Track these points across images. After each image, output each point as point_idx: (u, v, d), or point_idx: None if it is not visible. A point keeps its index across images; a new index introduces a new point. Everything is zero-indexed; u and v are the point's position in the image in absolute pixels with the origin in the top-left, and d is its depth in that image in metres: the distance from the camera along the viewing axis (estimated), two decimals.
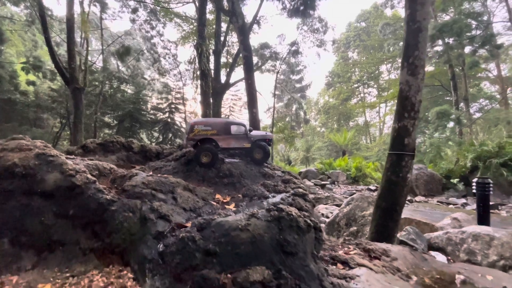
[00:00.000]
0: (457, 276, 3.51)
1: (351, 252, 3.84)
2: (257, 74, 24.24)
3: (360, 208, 7.70)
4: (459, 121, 18.15)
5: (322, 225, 7.61)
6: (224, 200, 3.09)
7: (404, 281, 3.31)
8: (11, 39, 27.40)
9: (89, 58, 18.97)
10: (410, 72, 5.56)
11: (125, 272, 2.12)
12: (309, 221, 2.29)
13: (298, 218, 2.21)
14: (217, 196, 3.21)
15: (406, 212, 9.04)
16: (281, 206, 2.30)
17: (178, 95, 27.85)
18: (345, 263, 3.29)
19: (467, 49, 19.58)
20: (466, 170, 13.79)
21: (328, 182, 18.73)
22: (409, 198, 13.23)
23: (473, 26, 18.14)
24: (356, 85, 33.00)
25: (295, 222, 2.18)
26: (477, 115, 25.94)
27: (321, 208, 10.15)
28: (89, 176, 2.50)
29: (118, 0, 21.28)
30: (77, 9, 17.07)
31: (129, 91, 27.32)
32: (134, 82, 26.64)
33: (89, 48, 19.69)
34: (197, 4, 15.85)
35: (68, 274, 2.07)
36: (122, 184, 2.66)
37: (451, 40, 18.43)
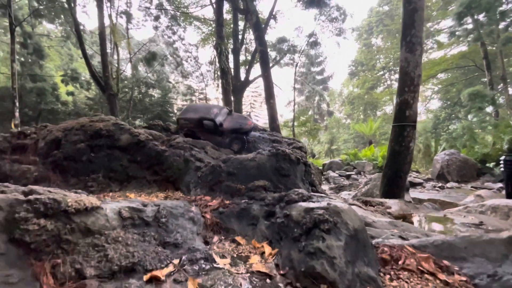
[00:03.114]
0: (440, 216, 4.30)
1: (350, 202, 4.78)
2: (276, 69, 25.21)
3: (377, 187, 8.41)
4: (493, 102, 17.55)
5: None
6: None
7: (391, 218, 4.18)
8: (49, 55, 31.10)
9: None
10: (408, 49, 6.29)
11: (176, 192, 3.35)
12: (299, 157, 3.35)
13: (290, 155, 3.29)
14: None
15: (432, 197, 9.50)
16: (278, 147, 3.40)
17: (201, 96, 29.81)
18: None
19: (502, 25, 18.74)
20: (503, 153, 13.40)
21: (353, 173, 19.08)
22: (439, 184, 13.36)
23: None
24: (381, 73, 32.49)
25: (288, 156, 3.26)
26: None
27: (343, 194, 10.87)
28: (148, 136, 3.81)
29: (142, 10, 23.52)
30: (106, 22, 19.34)
31: (156, 95, 29.91)
32: (160, 86, 29.15)
33: (118, 57, 22.13)
34: (214, 6, 17.29)
35: (141, 193, 3.35)
36: (169, 143, 3.94)
37: (480, 17, 17.89)
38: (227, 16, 20.96)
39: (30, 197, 1.76)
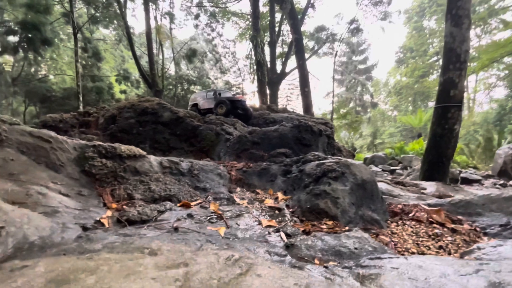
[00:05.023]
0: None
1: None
2: (314, 59, 24.81)
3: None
4: None
5: None
6: None
7: (422, 195, 4.10)
8: (105, 57, 34.80)
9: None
10: (453, 23, 5.91)
11: (208, 158, 3.82)
12: (321, 129, 3.55)
13: (312, 126, 3.51)
14: None
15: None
16: (301, 120, 3.64)
17: (238, 90, 30.72)
18: None
19: None
20: None
21: (398, 167, 18.00)
22: (501, 181, 12.02)
23: None
24: (434, 58, 29.51)
25: (310, 128, 3.49)
26: None
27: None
28: (186, 113, 4.35)
29: (183, 10, 25.11)
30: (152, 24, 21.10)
31: (197, 91, 31.77)
32: (200, 82, 30.84)
33: (163, 56, 24.03)
34: None
35: None
36: (203, 119, 4.44)
37: None
38: (264, 9, 21.25)
39: (95, 143, 2.33)
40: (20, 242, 1.09)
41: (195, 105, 7.11)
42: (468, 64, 6.87)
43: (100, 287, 0.64)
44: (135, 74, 30.84)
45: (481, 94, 27.69)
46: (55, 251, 1.04)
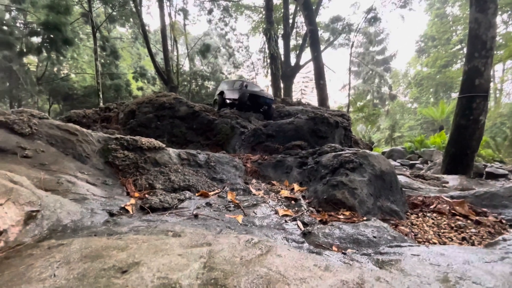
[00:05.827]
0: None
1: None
2: (329, 51, 24.29)
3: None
4: None
5: None
6: None
7: (444, 188, 3.97)
8: (122, 55, 35.67)
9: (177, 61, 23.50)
10: (479, 8, 5.61)
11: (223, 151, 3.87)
12: (338, 121, 3.51)
13: (329, 118, 3.47)
14: None
15: None
16: (317, 112, 3.60)
17: None
18: None
19: None
20: None
21: (418, 162, 17.46)
22: None
23: None
24: (458, 47, 27.93)
25: (326, 119, 3.45)
26: None
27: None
28: (202, 108, 4.42)
29: (196, 5, 25.25)
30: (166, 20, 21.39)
31: (211, 87, 32.01)
32: (214, 78, 31.07)
33: (177, 53, 24.38)
34: None
35: None
36: (219, 113, 4.49)
37: None
38: (277, 1, 20.96)
39: (117, 136, 2.43)
40: (54, 225, 1.18)
41: (222, 94, 6.87)
42: (495, 52, 6.50)
43: (132, 261, 0.69)
44: (151, 71, 31.49)
45: (508, 84, 26.07)
46: (87, 233, 1.11)
